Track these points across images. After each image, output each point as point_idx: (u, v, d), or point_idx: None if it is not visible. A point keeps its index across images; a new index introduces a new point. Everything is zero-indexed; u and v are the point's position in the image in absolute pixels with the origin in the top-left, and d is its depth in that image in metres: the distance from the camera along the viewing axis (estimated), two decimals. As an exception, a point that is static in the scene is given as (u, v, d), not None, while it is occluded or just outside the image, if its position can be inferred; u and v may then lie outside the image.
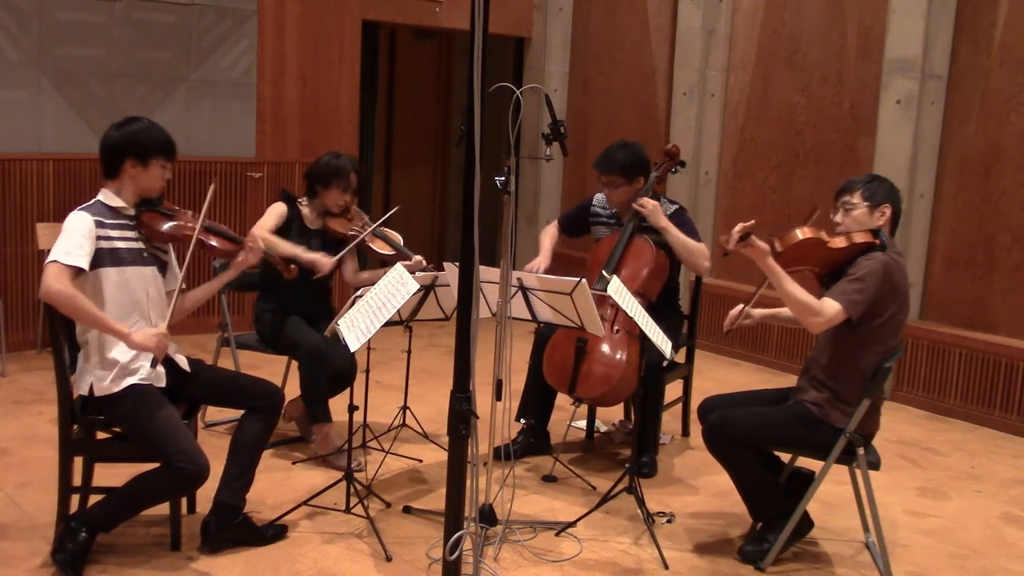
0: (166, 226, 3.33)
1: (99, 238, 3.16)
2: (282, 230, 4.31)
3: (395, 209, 4.62)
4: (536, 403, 4.43)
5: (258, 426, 3.39)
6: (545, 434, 4.49)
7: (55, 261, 3.05)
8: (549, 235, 4.67)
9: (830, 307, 3.23)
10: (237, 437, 3.39)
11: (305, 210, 4.40)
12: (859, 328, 3.29)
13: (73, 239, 3.11)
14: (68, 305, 3.05)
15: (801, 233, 3.29)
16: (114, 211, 3.25)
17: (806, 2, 6.14)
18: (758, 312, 3.61)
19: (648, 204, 4.30)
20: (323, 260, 4.23)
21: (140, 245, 3.29)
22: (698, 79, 6.66)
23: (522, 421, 4.61)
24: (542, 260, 4.45)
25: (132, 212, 3.30)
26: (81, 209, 3.20)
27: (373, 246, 4.38)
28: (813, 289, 3.37)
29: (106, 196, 3.28)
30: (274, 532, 3.48)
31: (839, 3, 5.96)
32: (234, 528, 3.36)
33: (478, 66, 2.45)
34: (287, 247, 4.21)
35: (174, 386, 3.33)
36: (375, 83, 7.34)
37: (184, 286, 3.37)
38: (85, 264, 3.10)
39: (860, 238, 3.32)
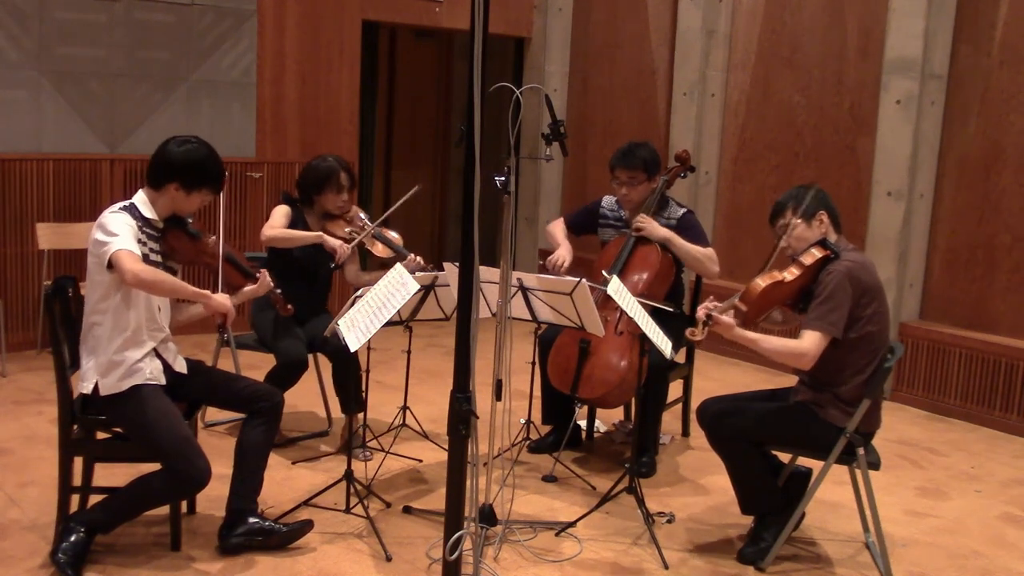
0: (188, 252, 3.35)
1: (138, 241, 3.17)
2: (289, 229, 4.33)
3: (413, 192, 4.32)
4: (559, 407, 4.42)
5: (260, 430, 3.38)
6: (577, 429, 4.51)
7: (122, 249, 3.05)
8: (559, 228, 4.63)
9: (811, 341, 3.25)
10: (241, 443, 3.38)
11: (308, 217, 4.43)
12: (847, 333, 3.30)
13: (124, 232, 3.09)
14: (154, 281, 3.08)
15: (760, 283, 3.29)
16: (147, 221, 3.25)
17: (806, 2, 6.14)
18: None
19: (644, 224, 4.27)
20: (344, 247, 4.26)
21: (159, 259, 3.29)
22: (698, 79, 6.65)
23: (521, 421, 4.62)
24: (564, 252, 4.42)
25: (161, 226, 3.30)
26: (123, 209, 3.18)
27: (371, 248, 4.37)
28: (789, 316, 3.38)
29: (143, 204, 3.26)
30: (291, 529, 3.38)
31: (839, 3, 5.95)
32: (250, 533, 3.33)
33: (478, 66, 2.45)
34: (306, 235, 4.26)
35: (174, 386, 3.32)
36: (375, 83, 7.33)
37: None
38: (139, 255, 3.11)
39: (810, 259, 3.33)
